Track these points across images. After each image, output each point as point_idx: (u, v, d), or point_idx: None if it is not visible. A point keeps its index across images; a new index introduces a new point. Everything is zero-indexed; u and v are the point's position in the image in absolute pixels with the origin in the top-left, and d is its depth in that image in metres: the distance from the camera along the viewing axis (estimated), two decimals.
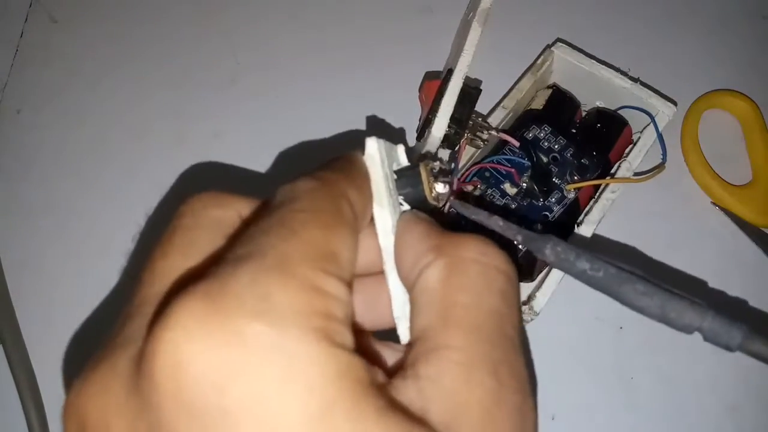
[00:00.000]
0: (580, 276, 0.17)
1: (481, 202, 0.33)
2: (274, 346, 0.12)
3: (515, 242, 0.19)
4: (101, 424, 0.14)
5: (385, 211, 0.19)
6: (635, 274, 0.16)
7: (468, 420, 0.14)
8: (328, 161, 0.19)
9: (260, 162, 0.41)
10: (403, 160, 0.21)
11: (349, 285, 0.15)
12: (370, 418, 0.13)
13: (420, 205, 0.20)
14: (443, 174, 0.21)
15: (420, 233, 0.18)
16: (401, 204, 0.20)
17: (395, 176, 0.20)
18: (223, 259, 0.14)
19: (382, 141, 0.20)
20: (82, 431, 0.14)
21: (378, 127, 0.41)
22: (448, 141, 0.34)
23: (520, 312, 0.17)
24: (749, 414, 0.34)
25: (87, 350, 0.39)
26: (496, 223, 0.19)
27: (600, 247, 0.36)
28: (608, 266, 0.16)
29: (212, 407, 0.12)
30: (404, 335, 0.19)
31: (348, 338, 0.14)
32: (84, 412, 0.14)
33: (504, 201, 0.34)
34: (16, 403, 0.35)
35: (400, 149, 0.21)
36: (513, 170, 0.34)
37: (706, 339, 0.15)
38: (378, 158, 0.19)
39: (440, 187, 0.20)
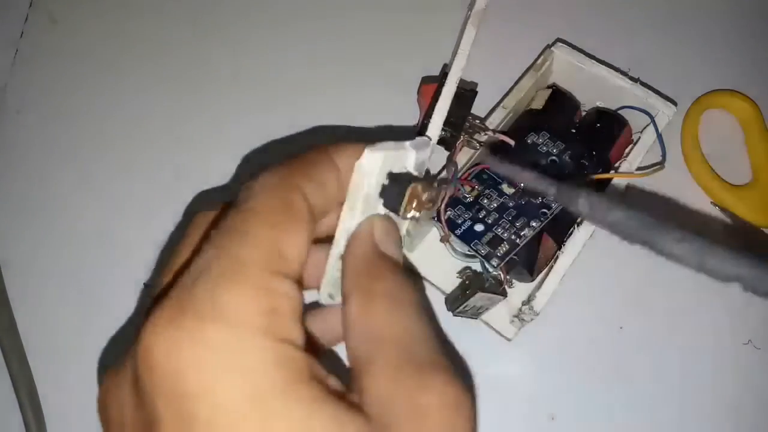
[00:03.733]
0: (614, 227, 0.16)
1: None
2: (222, 343, 0.15)
3: (548, 195, 0.19)
4: (118, 413, 0.17)
5: (355, 213, 0.20)
6: (670, 225, 0.16)
7: (396, 409, 0.16)
8: (300, 154, 0.20)
9: (260, 162, 0.41)
10: (408, 165, 0.21)
11: (298, 279, 0.17)
12: (304, 400, 0.15)
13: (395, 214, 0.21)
14: (430, 201, 0.21)
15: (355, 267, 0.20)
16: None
17: (386, 181, 0.20)
18: (189, 268, 0.17)
19: (381, 153, 0.20)
20: (107, 421, 0.18)
21: (381, 129, 0.41)
22: (444, 144, 0.34)
23: (433, 327, 0.19)
24: (749, 414, 0.34)
25: (86, 349, 0.39)
26: (529, 177, 0.19)
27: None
28: (643, 216, 0.16)
29: (176, 392, 0.15)
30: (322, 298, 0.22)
31: (295, 332, 0.16)
32: (107, 404, 0.18)
33: (501, 200, 0.34)
34: (13, 403, 0.35)
35: (410, 155, 0.21)
36: None
37: (745, 288, 0.15)
38: (366, 170, 0.19)
39: (413, 214, 0.21)
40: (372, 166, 0.19)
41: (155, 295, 0.18)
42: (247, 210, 0.17)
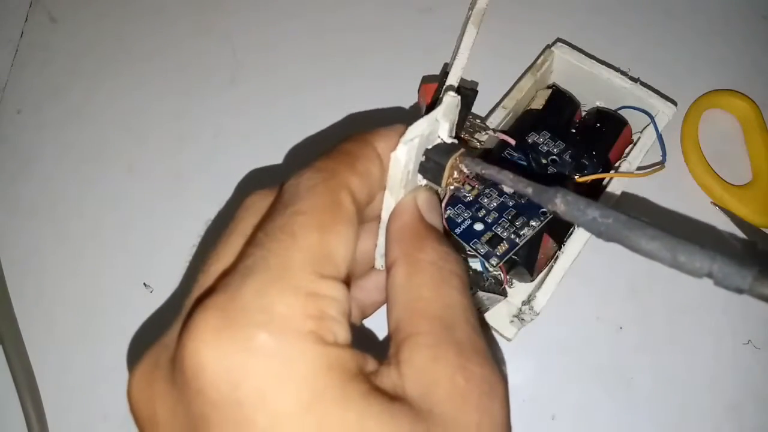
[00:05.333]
0: (590, 225, 0.17)
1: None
2: (274, 350, 0.15)
3: (526, 195, 0.19)
4: (149, 407, 0.17)
5: (397, 196, 0.20)
6: (644, 221, 0.16)
7: (438, 391, 0.16)
8: (338, 144, 0.20)
9: (260, 162, 0.41)
10: (442, 134, 0.21)
11: (346, 279, 0.17)
12: (355, 400, 0.15)
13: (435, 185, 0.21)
14: (469, 168, 0.21)
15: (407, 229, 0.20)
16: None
17: (423, 158, 0.21)
18: (235, 270, 0.17)
19: (415, 141, 0.20)
20: (136, 411, 0.18)
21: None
22: None
23: (473, 303, 0.19)
24: (749, 414, 0.34)
25: (86, 347, 0.39)
26: (507, 176, 0.19)
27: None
28: (618, 213, 0.16)
29: (229, 400, 0.15)
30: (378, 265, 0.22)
31: (341, 332, 0.16)
32: (137, 398, 0.18)
33: (501, 199, 0.34)
34: (15, 402, 0.35)
35: (443, 127, 0.21)
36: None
37: (716, 283, 0.15)
38: (403, 162, 0.19)
39: (455, 185, 0.21)
40: (408, 156, 0.19)
41: (198, 296, 0.18)
42: (294, 212, 0.17)
